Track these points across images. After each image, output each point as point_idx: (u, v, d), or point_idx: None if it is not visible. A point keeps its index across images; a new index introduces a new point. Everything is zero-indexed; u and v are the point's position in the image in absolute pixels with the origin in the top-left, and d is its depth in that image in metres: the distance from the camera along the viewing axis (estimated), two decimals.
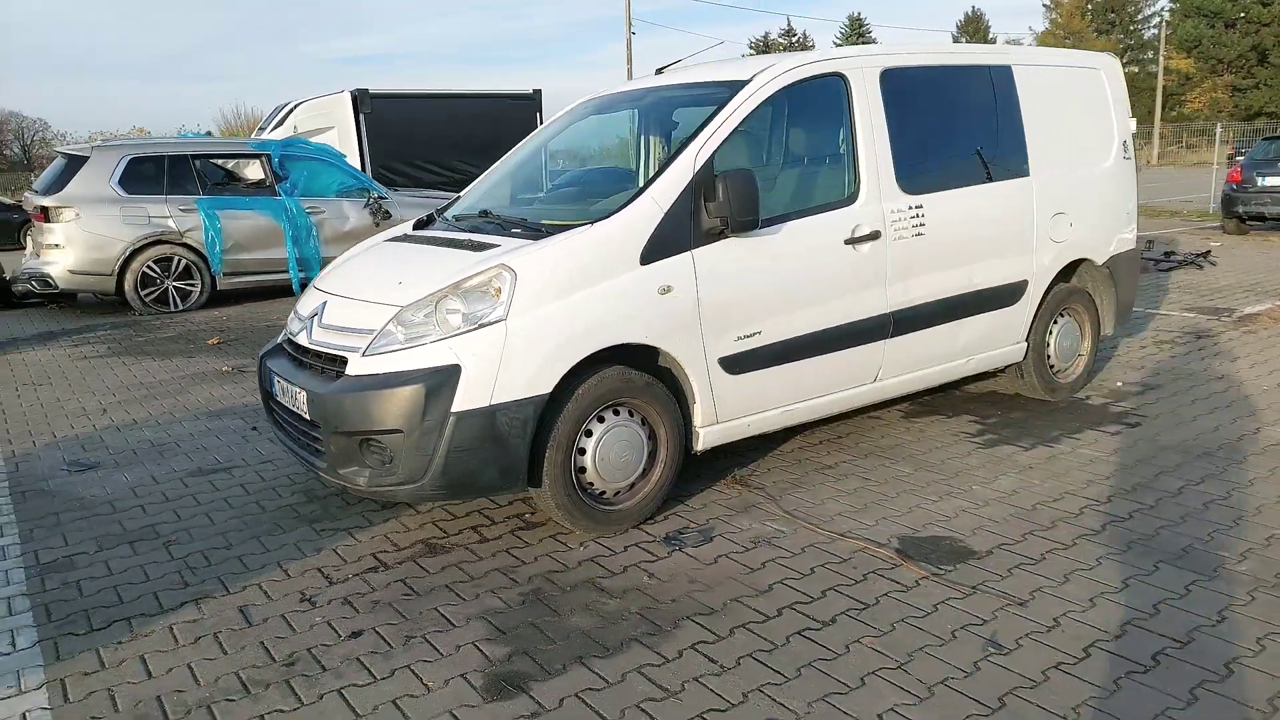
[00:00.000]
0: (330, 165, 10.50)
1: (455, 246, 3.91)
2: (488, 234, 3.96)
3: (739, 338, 3.93)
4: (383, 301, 3.63)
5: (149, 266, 9.44)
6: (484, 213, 4.32)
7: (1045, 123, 5.08)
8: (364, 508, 4.07)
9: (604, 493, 3.74)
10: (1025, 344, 5.17)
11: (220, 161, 10.48)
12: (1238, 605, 3.02)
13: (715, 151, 3.86)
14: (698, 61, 4.73)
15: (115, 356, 7.56)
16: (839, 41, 59.05)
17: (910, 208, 4.42)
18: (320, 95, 15.61)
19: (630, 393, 3.70)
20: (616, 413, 3.72)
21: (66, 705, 2.67)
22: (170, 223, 9.49)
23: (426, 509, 4.03)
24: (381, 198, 10.59)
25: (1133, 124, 5.65)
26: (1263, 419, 4.94)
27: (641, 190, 3.75)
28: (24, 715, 2.63)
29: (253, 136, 15.93)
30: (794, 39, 61.64)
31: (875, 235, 4.29)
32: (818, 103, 4.37)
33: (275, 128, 14.95)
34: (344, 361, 3.53)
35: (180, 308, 9.63)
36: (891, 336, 4.44)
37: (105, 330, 8.80)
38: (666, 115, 4.72)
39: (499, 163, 5.11)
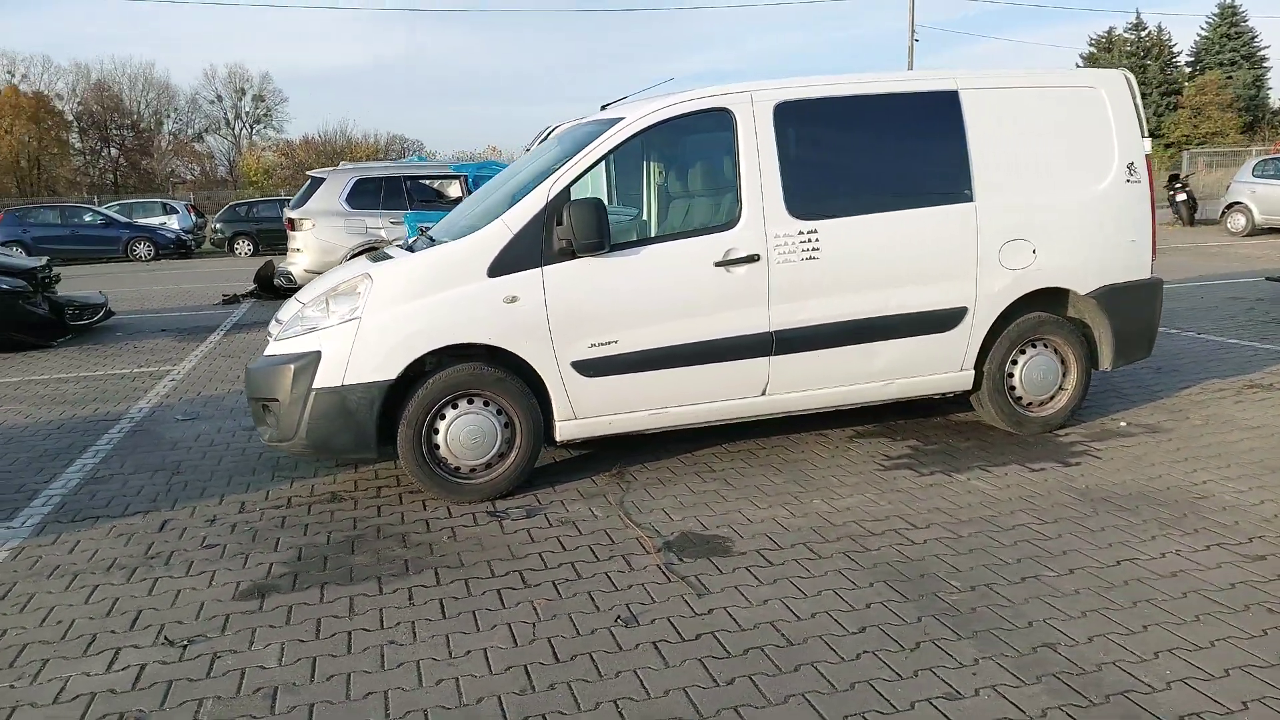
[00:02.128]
0: None
1: (375, 260, 4.85)
2: (406, 250, 4.85)
3: (593, 345, 4.47)
4: (302, 300, 4.66)
5: None
6: (429, 234, 5.20)
7: (1004, 146, 4.98)
8: (322, 466, 5.12)
9: (459, 468, 4.47)
10: (972, 372, 5.08)
11: (427, 182, 12.38)
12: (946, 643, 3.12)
13: (571, 183, 4.44)
14: (645, 96, 5.25)
15: None
16: (1204, 34, 52.35)
17: (801, 233, 4.65)
18: (582, 119, 17.37)
19: (482, 385, 4.41)
20: (471, 401, 4.44)
21: (17, 556, 3.96)
22: (382, 232, 11.46)
23: (367, 469, 4.99)
24: None
25: (1146, 144, 5.25)
26: (1248, 484, 4.48)
27: (498, 215, 4.45)
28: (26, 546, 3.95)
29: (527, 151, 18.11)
30: (1143, 34, 55.27)
31: (754, 258, 4.59)
32: (701, 136, 4.76)
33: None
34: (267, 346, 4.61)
35: None
36: (777, 354, 4.69)
37: None
38: (576, 148, 5.30)
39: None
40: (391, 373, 4.27)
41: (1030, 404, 5.25)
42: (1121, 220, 5.21)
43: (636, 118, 4.57)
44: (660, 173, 5.18)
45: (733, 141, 4.64)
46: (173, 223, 25.50)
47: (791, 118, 4.71)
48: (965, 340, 5.00)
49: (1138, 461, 4.71)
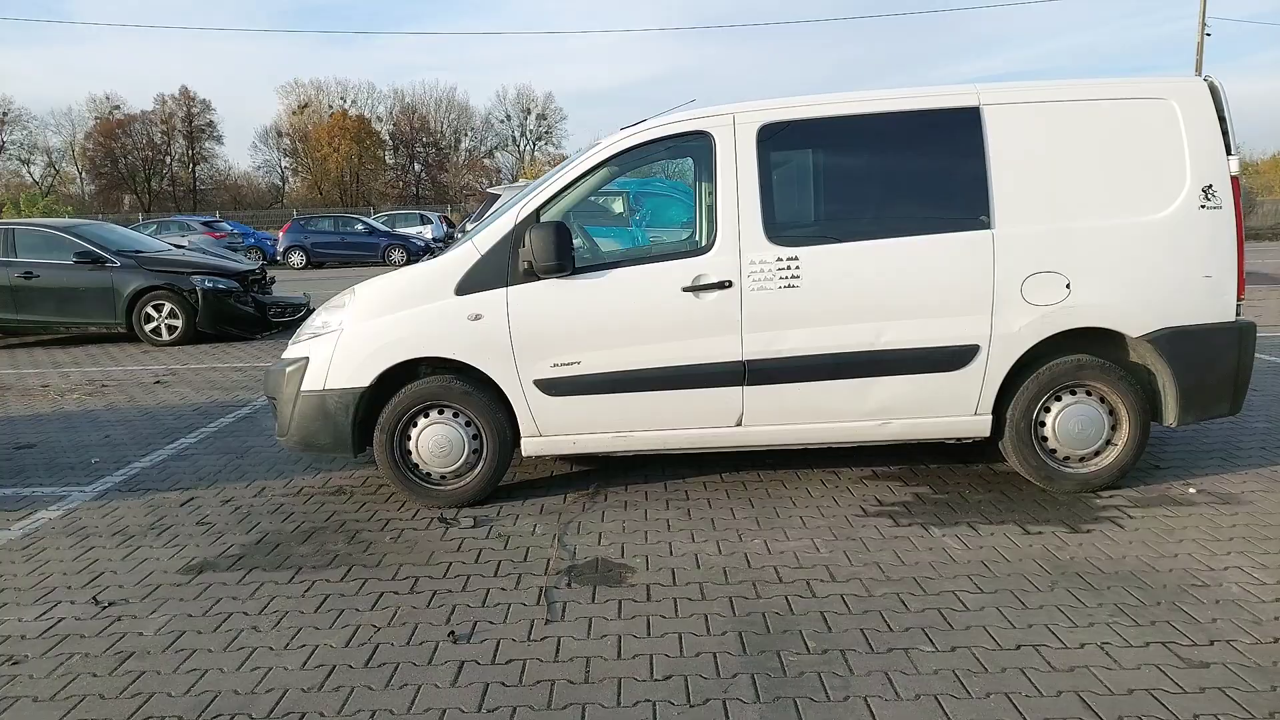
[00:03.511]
0: (676, 200, 12.13)
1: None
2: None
3: (555, 365, 4.55)
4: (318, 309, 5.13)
5: None
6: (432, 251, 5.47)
7: (1038, 168, 4.46)
8: (350, 462, 5.57)
9: (430, 474, 4.72)
10: (988, 418, 4.58)
11: (593, 198, 12.82)
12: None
13: (540, 207, 4.54)
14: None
15: None
16: None
17: (780, 259, 4.45)
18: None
19: (450, 398, 4.63)
20: (441, 412, 4.67)
21: (68, 514, 4.71)
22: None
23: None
24: None
25: (1233, 163, 4.47)
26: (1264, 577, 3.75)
27: (469, 237, 4.64)
28: (46, 518, 4.72)
29: None
30: None
31: (725, 285, 4.46)
32: (677, 159, 4.67)
33: None
34: None
35: None
36: (750, 384, 4.52)
37: None
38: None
39: None
40: (365, 380, 4.60)
41: (1068, 458, 4.63)
42: (1192, 252, 4.46)
43: (610, 143, 4.59)
44: (638, 196, 5.13)
45: (711, 166, 4.52)
46: (427, 232, 28.24)
47: (777, 140, 4.51)
48: (979, 382, 4.52)
49: (1162, 537, 4.02)
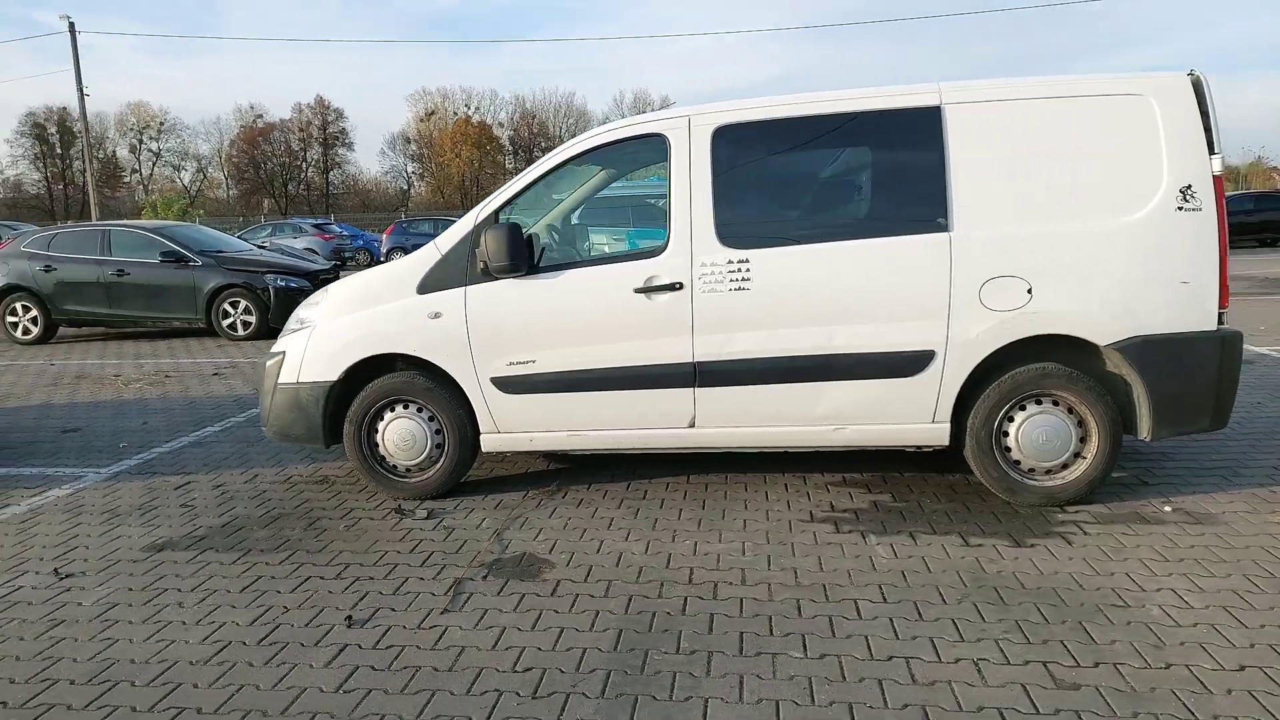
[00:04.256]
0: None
1: None
2: None
3: (511, 363, 4.66)
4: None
5: None
6: None
7: (1002, 169, 4.30)
8: (337, 452, 5.82)
9: (396, 466, 4.90)
10: (946, 425, 4.44)
11: (652, 201, 12.89)
12: None
13: (498, 209, 4.66)
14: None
15: None
16: None
17: (730, 262, 4.43)
18: None
19: (414, 393, 4.80)
20: (406, 407, 4.85)
21: (75, 493, 5.12)
22: (605, 248, 12.22)
23: None
24: None
25: (1215, 163, 4.20)
26: (1216, 602, 3.53)
27: (435, 239, 4.80)
28: (55, 496, 5.14)
29: None
30: None
31: (676, 287, 4.47)
32: (635, 163, 4.70)
33: None
34: None
35: None
36: (701, 386, 4.52)
37: None
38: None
39: None
40: (334, 374, 4.81)
41: (1033, 470, 4.44)
42: (1168, 257, 4.21)
43: (566, 146, 4.67)
44: (595, 199, 5.17)
45: (666, 167, 4.54)
46: None
47: (732, 141, 4.49)
48: (935, 389, 4.39)
49: (1108, 555, 3.82)
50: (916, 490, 4.74)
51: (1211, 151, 4.20)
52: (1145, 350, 4.23)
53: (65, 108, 60.21)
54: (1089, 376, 4.32)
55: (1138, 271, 4.22)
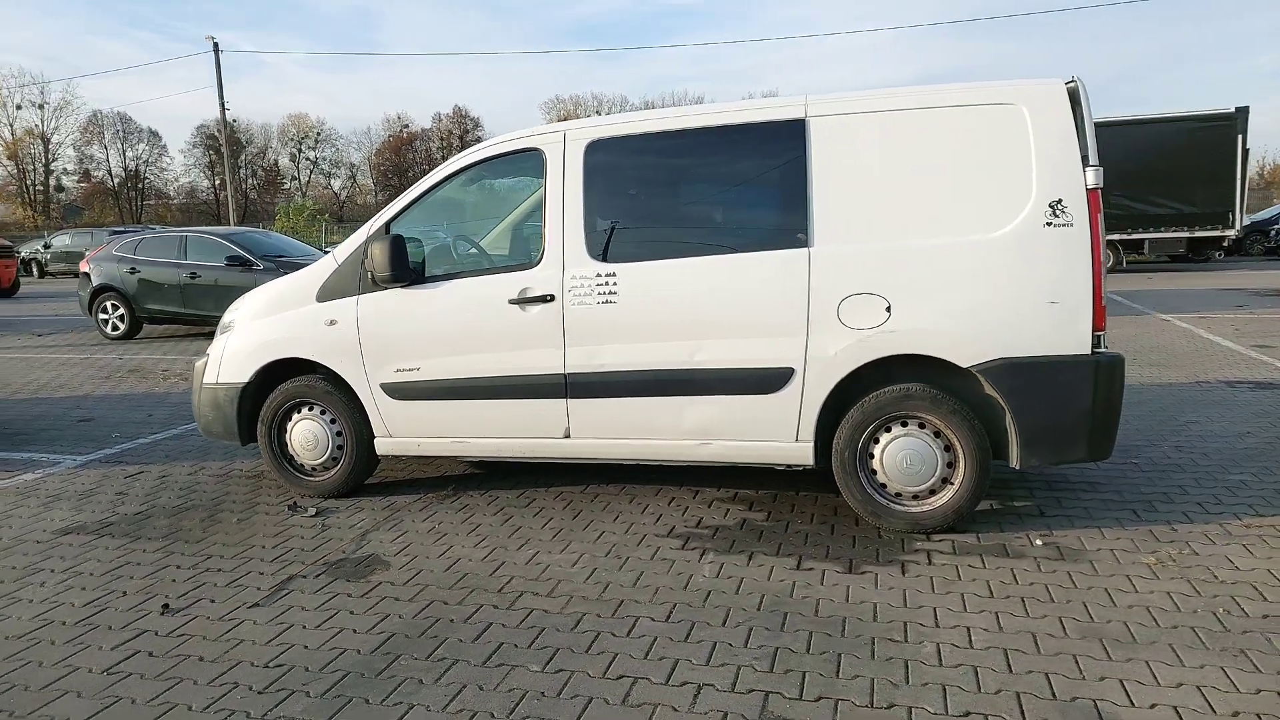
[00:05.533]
0: None
1: None
2: None
3: (399, 370, 4.84)
4: None
5: None
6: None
7: (864, 182, 4.18)
8: None
9: (304, 466, 5.18)
10: (809, 445, 4.34)
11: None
12: None
13: (389, 221, 4.86)
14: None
15: None
16: None
17: (599, 275, 4.48)
18: None
19: (315, 396, 5.06)
20: (311, 409, 5.11)
21: (43, 477, 5.64)
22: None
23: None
24: None
25: (1090, 175, 3.95)
26: (1005, 644, 3.35)
27: (334, 249, 5.04)
28: (23, 480, 5.67)
29: None
30: None
31: (548, 299, 4.55)
32: (516, 176, 4.78)
33: None
34: None
35: None
36: (573, 397, 4.58)
37: None
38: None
39: None
40: (245, 376, 5.13)
41: (899, 495, 4.28)
42: (1035, 275, 3.99)
43: (452, 160, 4.81)
44: (479, 211, 5.26)
45: (542, 182, 4.62)
46: None
47: (604, 156, 4.53)
48: (796, 407, 4.30)
49: (933, 588, 3.65)
50: (798, 510, 4.64)
51: (1086, 164, 3.95)
52: (1010, 374, 4.01)
53: (235, 120, 65.31)
54: (954, 399, 4.13)
55: (1003, 290, 4.01)
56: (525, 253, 4.88)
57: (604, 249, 4.49)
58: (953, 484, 4.20)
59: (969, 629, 3.28)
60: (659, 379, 4.43)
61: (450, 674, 3.08)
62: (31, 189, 64.00)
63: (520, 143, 4.70)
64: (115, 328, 13.23)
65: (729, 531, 4.37)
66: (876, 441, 4.28)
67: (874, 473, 4.30)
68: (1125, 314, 12.59)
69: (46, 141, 64.28)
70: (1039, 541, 4.10)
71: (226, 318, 5.39)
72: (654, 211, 4.60)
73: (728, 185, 4.45)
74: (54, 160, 65.66)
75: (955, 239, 4.06)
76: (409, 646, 3.29)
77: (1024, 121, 4.01)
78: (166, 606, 3.70)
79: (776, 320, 4.25)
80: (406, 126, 73.59)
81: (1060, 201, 3.95)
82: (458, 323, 4.71)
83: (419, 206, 4.87)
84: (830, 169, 4.21)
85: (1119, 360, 4.01)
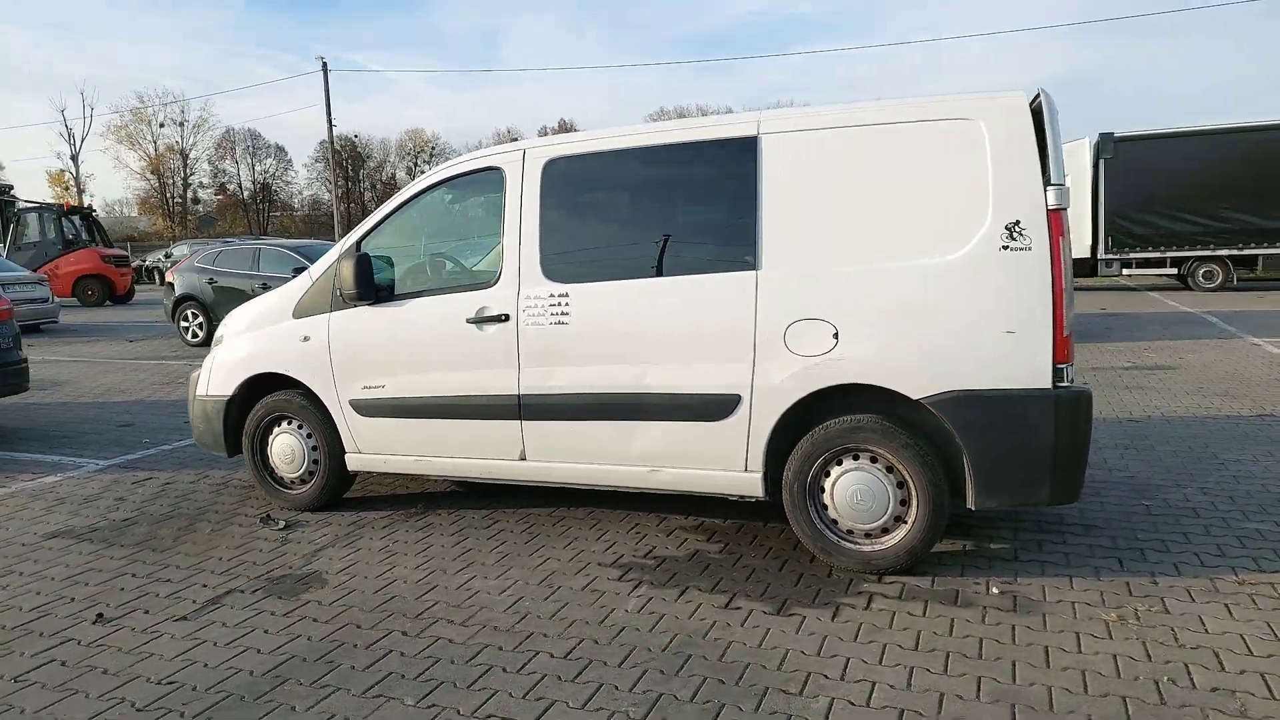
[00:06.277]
0: None
1: None
2: None
3: (365, 387, 4.89)
4: None
5: None
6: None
7: (814, 202, 4.00)
8: None
9: (282, 479, 5.28)
10: (758, 476, 4.16)
11: None
12: None
13: (360, 239, 4.92)
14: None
15: None
16: None
17: (552, 295, 4.42)
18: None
19: (292, 411, 5.16)
20: (290, 423, 5.21)
21: (62, 480, 5.95)
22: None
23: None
24: None
25: (1052, 195, 3.66)
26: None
27: (310, 266, 5.13)
28: (44, 482, 5.99)
29: None
30: None
31: (503, 318, 4.52)
32: (478, 194, 4.76)
33: None
34: None
35: None
36: (526, 419, 4.53)
37: None
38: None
39: None
40: (229, 390, 5.27)
41: (851, 531, 4.05)
42: (989, 302, 3.72)
43: (421, 179, 4.83)
44: (444, 229, 5.23)
45: (501, 200, 4.60)
46: None
47: (560, 174, 4.47)
48: (744, 435, 4.13)
49: (858, 636, 3.42)
50: (758, 542, 4.45)
51: (1049, 183, 3.66)
52: (964, 407, 3.75)
53: (356, 135, 68.46)
54: (906, 433, 3.89)
55: (956, 318, 3.76)
56: (486, 272, 4.85)
57: (558, 268, 4.42)
58: (906, 522, 3.95)
59: (874, 685, 3.06)
60: (609, 403, 4.33)
61: (325, 703, 3.05)
62: (171, 201, 68.21)
63: (481, 161, 4.69)
64: (195, 335, 13.90)
65: (675, 563, 4.22)
66: (828, 475, 4.07)
67: (825, 508, 4.09)
68: (1213, 336, 11.72)
69: (185, 156, 68.47)
70: (996, 590, 3.81)
71: (219, 331, 5.56)
72: (607, 231, 4.51)
73: (681, 205, 4.32)
74: (191, 174, 69.93)
75: (907, 263, 3.82)
76: (300, 671, 3.28)
77: (981, 138, 3.75)
78: (100, 616, 3.82)
79: (723, 345, 4.09)
80: (516, 140, 75.53)
81: (1018, 224, 3.67)
82: (420, 341, 4.72)
83: (388, 225, 4.92)
84: (780, 189, 4.03)
85: (1085, 395, 3.70)
